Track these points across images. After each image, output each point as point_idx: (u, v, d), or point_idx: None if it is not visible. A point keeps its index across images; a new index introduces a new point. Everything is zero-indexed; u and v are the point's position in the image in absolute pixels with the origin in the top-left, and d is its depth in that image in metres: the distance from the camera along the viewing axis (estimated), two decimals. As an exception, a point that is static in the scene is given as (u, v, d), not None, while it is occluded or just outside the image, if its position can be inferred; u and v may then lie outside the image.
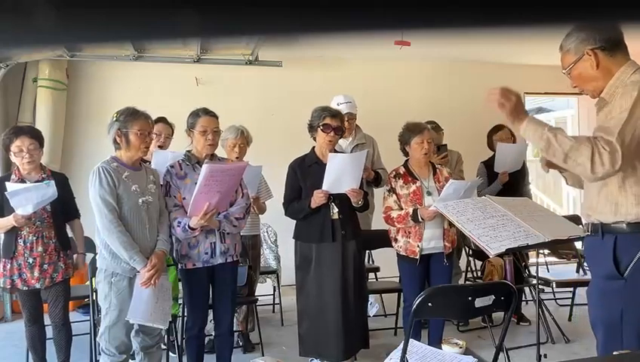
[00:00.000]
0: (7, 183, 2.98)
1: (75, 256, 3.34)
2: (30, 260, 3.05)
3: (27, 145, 3.05)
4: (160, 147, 3.78)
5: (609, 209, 1.89)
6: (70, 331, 3.29)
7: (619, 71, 1.89)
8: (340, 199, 3.22)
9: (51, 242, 3.11)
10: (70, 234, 3.35)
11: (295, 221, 3.39)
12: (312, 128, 3.33)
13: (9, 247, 3.05)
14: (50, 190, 2.94)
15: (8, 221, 2.96)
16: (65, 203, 3.17)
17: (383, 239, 3.65)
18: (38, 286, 3.08)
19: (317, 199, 3.16)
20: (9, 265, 3.05)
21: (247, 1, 0.49)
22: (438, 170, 3.52)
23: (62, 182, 3.12)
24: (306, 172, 3.30)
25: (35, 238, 3.06)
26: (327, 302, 3.24)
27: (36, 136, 3.13)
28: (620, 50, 1.91)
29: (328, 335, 3.23)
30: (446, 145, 4.46)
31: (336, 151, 3.34)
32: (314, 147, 3.39)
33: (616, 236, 1.87)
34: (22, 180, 3.06)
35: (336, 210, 3.23)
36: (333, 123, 3.25)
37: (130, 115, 2.69)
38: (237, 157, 3.69)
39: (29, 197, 2.90)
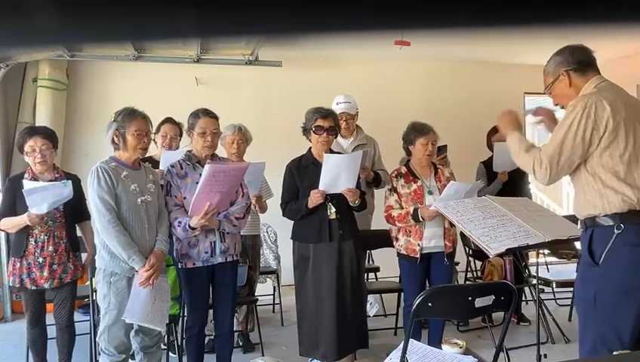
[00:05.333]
0: (24, 181, 2.98)
1: (84, 255, 3.35)
2: (40, 260, 3.05)
3: (40, 146, 3.05)
4: (168, 148, 3.77)
5: (583, 206, 2.20)
6: (74, 333, 3.28)
7: (584, 87, 2.23)
8: (338, 199, 3.22)
9: (62, 242, 3.11)
10: (79, 234, 3.34)
11: (293, 221, 3.39)
12: (305, 131, 3.34)
13: (20, 246, 3.05)
14: (66, 190, 2.94)
15: (22, 219, 2.96)
16: (77, 204, 3.16)
17: (383, 239, 3.65)
18: (46, 286, 3.08)
19: (314, 199, 3.16)
20: (19, 263, 3.05)
21: (247, 1, 0.48)
22: (439, 170, 3.53)
23: (74, 183, 3.11)
24: (302, 172, 3.30)
25: (46, 238, 3.05)
26: (323, 301, 3.23)
27: (49, 136, 3.13)
28: (591, 69, 2.25)
29: (324, 335, 3.23)
30: (446, 146, 4.45)
31: (332, 152, 3.35)
32: (310, 147, 3.39)
33: (593, 229, 2.16)
34: (35, 180, 3.06)
35: (333, 209, 3.23)
36: (325, 124, 3.25)
37: (128, 115, 2.69)
38: (235, 153, 3.68)
39: (44, 196, 2.89)
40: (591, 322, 2.15)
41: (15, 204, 3.02)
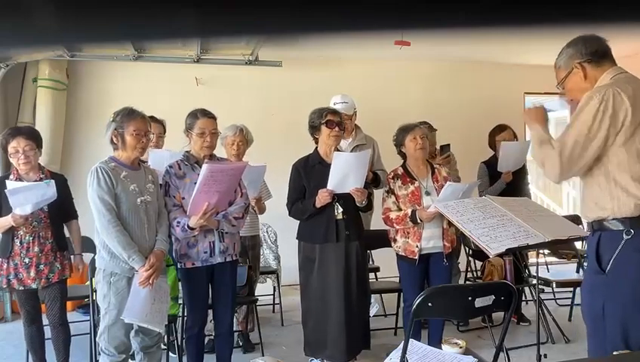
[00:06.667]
0: (7, 181, 2.98)
1: (72, 256, 3.34)
2: (26, 260, 3.05)
3: (23, 146, 3.04)
4: (155, 146, 3.77)
5: (592, 207, 2.05)
6: (68, 331, 3.28)
7: (600, 78, 2.06)
8: (345, 199, 3.22)
9: (48, 242, 3.10)
10: (67, 234, 3.34)
11: (298, 221, 3.39)
12: (314, 128, 3.34)
13: (5, 247, 3.05)
14: (50, 190, 2.93)
15: (6, 221, 2.96)
16: (63, 204, 3.16)
17: (382, 239, 3.64)
18: (34, 286, 3.08)
19: (322, 198, 3.16)
20: (5, 264, 3.05)
21: (247, 1, 0.48)
22: (436, 169, 3.53)
23: (60, 183, 3.11)
24: (309, 172, 3.31)
25: (31, 238, 3.05)
26: (329, 302, 3.23)
27: (33, 137, 3.12)
28: (606, 60, 2.08)
29: (331, 336, 3.23)
30: (449, 145, 4.44)
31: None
32: (317, 147, 3.39)
33: (600, 233, 2.02)
34: (20, 180, 3.06)
35: (340, 210, 3.23)
36: (335, 119, 3.29)
37: (127, 116, 2.69)
38: (235, 155, 3.69)
39: (28, 197, 2.89)
40: (600, 333, 2.02)
41: (0, 206, 3.02)
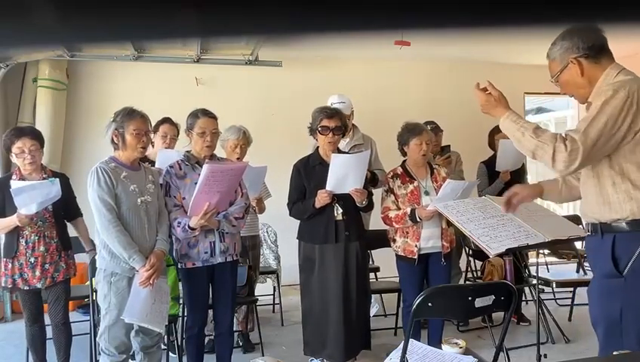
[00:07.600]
0: (12, 181, 2.98)
1: (87, 253, 3.37)
2: (32, 260, 3.05)
3: (29, 146, 3.05)
4: (167, 148, 3.77)
5: (604, 208, 1.93)
6: (70, 331, 3.29)
7: (603, 74, 1.94)
8: (345, 200, 3.22)
9: (53, 242, 3.11)
10: (72, 233, 3.35)
11: (299, 221, 3.40)
12: (312, 131, 3.34)
13: (11, 247, 3.06)
14: (54, 188, 2.94)
15: (11, 221, 2.96)
16: (66, 203, 3.17)
17: (382, 239, 3.64)
18: (39, 285, 3.09)
19: (321, 199, 3.16)
20: (10, 264, 3.05)
21: (247, 1, 0.48)
22: (435, 170, 3.53)
23: (63, 182, 3.12)
24: (310, 172, 3.31)
25: (37, 238, 3.06)
26: (329, 303, 3.24)
27: (37, 136, 3.14)
28: (604, 55, 1.96)
29: (330, 336, 3.23)
30: (449, 146, 4.44)
31: (339, 151, 3.35)
32: (318, 147, 3.39)
33: (614, 235, 1.90)
34: (23, 181, 3.06)
35: (340, 210, 3.23)
36: (331, 124, 3.25)
37: (127, 115, 2.69)
38: (238, 158, 3.69)
39: (33, 196, 2.90)
40: (616, 340, 1.88)
41: (4, 206, 3.02)
